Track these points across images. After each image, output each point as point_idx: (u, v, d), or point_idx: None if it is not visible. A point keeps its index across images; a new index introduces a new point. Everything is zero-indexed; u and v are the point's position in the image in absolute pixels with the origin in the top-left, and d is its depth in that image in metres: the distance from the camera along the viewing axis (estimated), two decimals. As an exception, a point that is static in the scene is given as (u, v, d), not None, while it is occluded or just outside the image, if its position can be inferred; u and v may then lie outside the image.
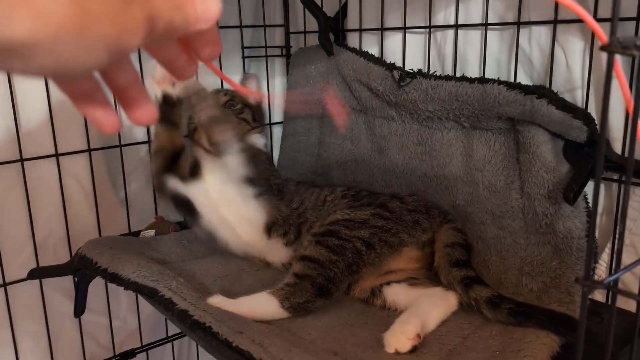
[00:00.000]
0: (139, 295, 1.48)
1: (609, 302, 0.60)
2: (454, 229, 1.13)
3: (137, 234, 1.38)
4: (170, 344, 1.61)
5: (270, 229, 1.21)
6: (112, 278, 1.08)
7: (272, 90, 1.63)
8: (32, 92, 1.24)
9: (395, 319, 1.01)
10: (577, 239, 0.99)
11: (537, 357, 0.84)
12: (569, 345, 0.88)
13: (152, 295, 1.01)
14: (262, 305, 0.99)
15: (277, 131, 1.61)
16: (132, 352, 1.51)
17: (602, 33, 0.45)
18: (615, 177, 1.01)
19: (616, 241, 1.03)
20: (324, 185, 1.30)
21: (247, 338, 0.86)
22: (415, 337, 0.88)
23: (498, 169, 1.10)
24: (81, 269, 1.19)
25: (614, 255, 1.00)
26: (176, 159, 1.19)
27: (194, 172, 1.19)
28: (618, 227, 0.96)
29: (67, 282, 1.36)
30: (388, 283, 1.07)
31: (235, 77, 1.55)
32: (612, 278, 0.59)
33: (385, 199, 1.17)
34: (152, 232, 1.33)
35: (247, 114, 1.29)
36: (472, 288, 0.99)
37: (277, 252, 1.21)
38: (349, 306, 1.07)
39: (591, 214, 0.58)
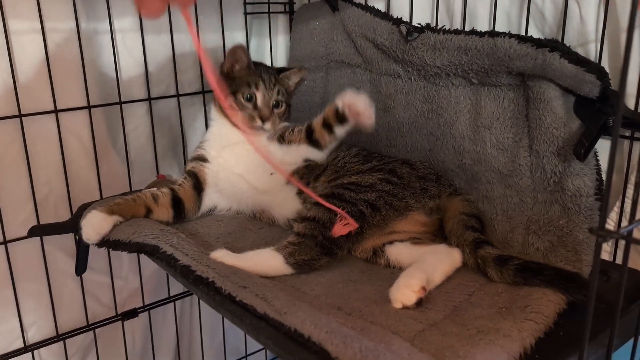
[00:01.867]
0: (140, 255, 1.48)
1: (624, 253, 0.58)
2: (468, 200, 1.13)
3: (139, 191, 1.36)
4: (172, 303, 1.61)
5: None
6: (115, 245, 1.06)
7: (275, 52, 1.60)
8: (29, 46, 1.21)
9: (398, 276, 1.00)
10: (586, 197, 0.97)
11: (544, 313, 0.83)
12: (575, 302, 0.87)
13: (153, 252, 1.00)
14: (267, 260, 0.98)
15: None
16: (134, 312, 1.51)
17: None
18: (627, 133, 0.99)
19: (627, 195, 1.02)
20: (343, 146, 1.28)
21: (250, 292, 0.85)
22: (421, 289, 0.88)
23: (506, 126, 1.07)
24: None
25: (631, 206, 0.98)
26: None
27: None
28: (635, 178, 0.94)
29: (68, 241, 1.35)
30: (391, 242, 1.06)
31: (238, 35, 1.53)
32: (628, 228, 0.57)
33: (396, 165, 1.15)
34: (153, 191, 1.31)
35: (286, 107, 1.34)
36: (482, 247, 0.98)
37: (287, 203, 1.20)
38: (352, 264, 1.06)
39: (610, 157, 0.56)
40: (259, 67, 1.32)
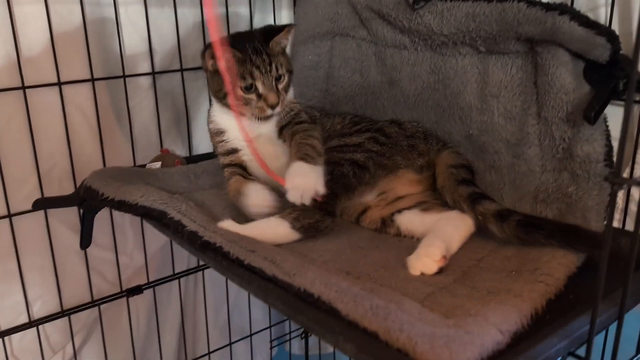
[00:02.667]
0: (145, 232, 1.48)
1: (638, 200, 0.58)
2: (455, 152, 1.13)
3: (142, 167, 1.36)
4: (177, 281, 1.61)
5: None
6: (119, 205, 1.06)
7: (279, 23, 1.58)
8: (32, 17, 1.20)
9: (408, 243, 1.01)
10: (595, 163, 0.96)
11: (554, 276, 0.82)
12: (586, 265, 0.86)
13: (160, 218, 0.99)
14: (274, 228, 0.98)
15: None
16: (139, 288, 1.51)
17: None
18: (638, 98, 0.98)
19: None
20: (337, 114, 1.28)
21: (258, 256, 0.85)
22: (442, 259, 0.88)
23: (514, 94, 1.06)
24: (87, 200, 1.17)
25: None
26: None
27: None
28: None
29: (72, 215, 1.35)
30: (399, 211, 1.06)
31: (242, 9, 1.51)
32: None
33: (384, 124, 1.16)
34: (158, 165, 1.31)
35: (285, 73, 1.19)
36: (479, 203, 0.98)
37: None
38: (360, 233, 1.06)
39: (625, 107, 0.55)
40: (244, 49, 1.12)
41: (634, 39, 0.55)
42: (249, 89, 1.11)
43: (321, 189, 0.98)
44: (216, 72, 1.14)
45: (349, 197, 1.07)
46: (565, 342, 0.67)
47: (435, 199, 1.08)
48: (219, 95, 1.17)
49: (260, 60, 1.11)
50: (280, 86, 1.15)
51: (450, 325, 0.69)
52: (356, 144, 1.09)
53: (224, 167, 1.20)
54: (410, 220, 1.04)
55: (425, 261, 0.88)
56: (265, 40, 1.14)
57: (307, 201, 0.97)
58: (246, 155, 1.18)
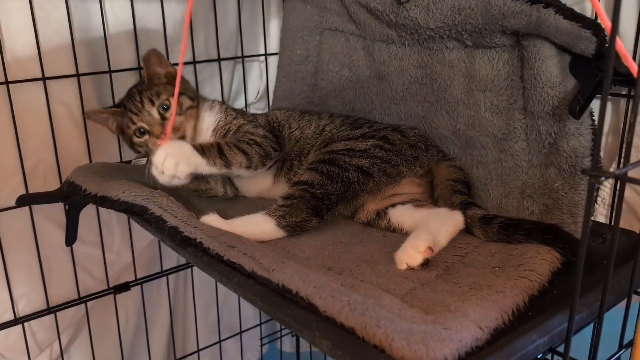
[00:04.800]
0: (132, 229, 1.47)
1: (619, 191, 0.57)
2: (455, 166, 1.13)
3: (128, 163, 1.34)
4: (165, 278, 1.59)
5: (274, 176, 1.20)
6: (102, 201, 1.05)
7: (267, 21, 1.57)
8: (16, 11, 1.19)
9: (392, 239, 1.00)
10: (582, 158, 0.96)
11: (538, 272, 0.81)
12: (569, 262, 0.85)
13: (142, 213, 0.98)
14: (258, 224, 0.97)
15: (273, 61, 1.56)
16: (127, 285, 1.49)
17: None
18: (624, 91, 0.97)
19: (626, 134, 0.99)
20: (320, 113, 1.26)
21: (238, 252, 0.84)
22: (427, 249, 0.87)
23: (501, 88, 1.05)
24: (71, 196, 1.16)
25: (624, 149, 0.97)
26: None
27: None
28: (629, 119, 0.93)
29: (58, 212, 1.33)
30: (393, 205, 1.06)
31: (230, 5, 1.50)
32: (623, 170, 0.56)
33: (387, 132, 1.14)
34: (143, 161, 1.29)
35: (184, 99, 1.17)
36: (470, 208, 0.99)
37: (283, 189, 1.17)
38: (344, 228, 1.05)
39: (600, 105, 0.54)
40: (124, 101, 1.17)
41: (609, 31, 0.54)
42: (140, 133, 1.14)
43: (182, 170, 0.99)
44: (117, 131, 1.21)
45: (348, 202, 1.06)
46: (545, 338, 0.66)
47: (430, 201, 1.08)
48: (128, 143, 1.19)
49: (132, 103, 1.14)
50: (168, 113, 1.13)
51: (428, 321, 0.68)
52: (362, 150, 1.08)
53: None
54: (401, 214, 1.04)
55: (410, 252, 0.87)
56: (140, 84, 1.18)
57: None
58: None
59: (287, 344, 1.98)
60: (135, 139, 1.15)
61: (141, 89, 1.15)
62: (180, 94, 1.08)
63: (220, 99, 1.53)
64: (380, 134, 1.13)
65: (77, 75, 1.28)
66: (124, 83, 1.35)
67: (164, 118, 1.13)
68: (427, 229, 0.92)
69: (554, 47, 0.96)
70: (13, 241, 1.30)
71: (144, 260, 1.55)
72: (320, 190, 1.00)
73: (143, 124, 1.13)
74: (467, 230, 0.98)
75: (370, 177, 1.05)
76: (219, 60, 1.49)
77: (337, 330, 0.67)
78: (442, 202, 1.06)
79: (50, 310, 1.38)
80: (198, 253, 0.88)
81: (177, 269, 1.61)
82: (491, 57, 1.06)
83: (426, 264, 0.86)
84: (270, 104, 1.54)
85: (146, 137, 1.14)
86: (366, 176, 1.04)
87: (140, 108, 1.13)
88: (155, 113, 1.13)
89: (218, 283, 1.70)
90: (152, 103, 1.13)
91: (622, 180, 0.55)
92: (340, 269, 0.86)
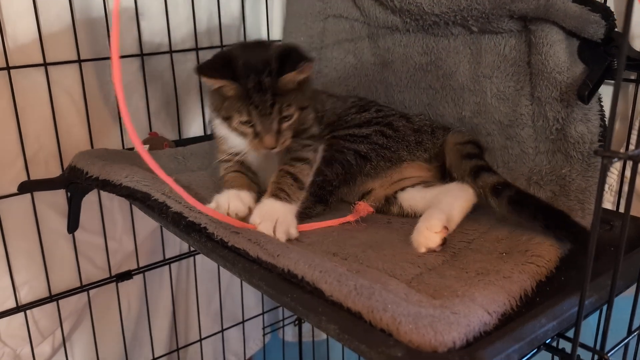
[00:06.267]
0: (134, 217, 1.46)
1: (631, 172, 0.56)
2: (460, 131, 1.10)
3: (130, 150, 1.33)
4: (168, 266, 1.59)
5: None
6: (104, 184, 1.04)
7: (270, 8, 1.55)
8: (17, -5, 1.17)
9: (398, 224, 0.99)
10: (590, 144, 0.95)
11: (545, 257, 0.81)
12: (576, 248, 0.85)
13: (144, 200, 0.97)
14: None
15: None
16: (129, 274, 1.49)
17: None
18: (633, 76, 0.96)
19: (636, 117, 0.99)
20: (339, 96, 1.24)
21: (243, 237, 0.83)
22: (443, 229, 0.86)
23: (507, 74, 1.04)
24: (73, 182, 1.15)
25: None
26: None
27: None
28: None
29: (59, 199, 1.33)
30: (403, 189, 1.04)
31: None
32: (636, 151, 0.55)
33: (393, 119, 1.12)
34: (146, 148, 1.29)
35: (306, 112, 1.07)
36: (479, 176, 0.96)
37: None
38: (348, 214, 1.04)
39: (615, 87, 0.53)
40: (245, 80, 0.96)
41: (624, 15, 0.53)
42: (246, 123, 0.98)
43: (293, 231, 0.91)
44: (216, 91, 1.01)
45: (348, 186, 1.05)
46: (554, 323, 0.65)
47: (443, 180, 1.05)
48: (221, 114, 1.03)
49: (261, 100, 0.96)
50: (285, 125, 1.00)
51: (436, 305, 0.67)
52: (363, 136, 1.07)
53: (221, 162, 1.12)
54: (412, 197, 1.02)
55: (426, 234, 0.86)
56: (279, 71, 0.96)
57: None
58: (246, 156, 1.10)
59: (290, 334, 1.98)
60: (236, 123, 0.99)
61: (275, 89, 0.96)
62: (303, 108, 1.02)
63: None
64: (385, 121, 1.12)
65: (79, 61, 1.27)
66: (126, 69, 1.35)
67: (279, 131, 0.99)
68: (440, 207, 0.91)
69: (562, 32, 0.95)
70: (15, 228, 1.29)
71: (146, 249, 1.54)
72: (320, 177, 1.00)
73: (260, 128, 0.97)
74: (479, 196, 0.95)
75: (368, 161, 1.04)
76: (221, 47, 1.48)
77: (344, 315, 0.66)
78: (455, 172, 1.02)
79: (52, 298, 1.37)
80: (202, 239, 0.87)
81: (180, 257, 1.61)
82: (498, 42, 1.05)
83: (445, 243, 0.86)
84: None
85: (250, 130, 0.99)
86: (364, 159, 1.03)
87: (266, 112, 0.96)
88: (275, 125, 0.98)
89: (220, 272, 1.70)
90: (280, 113, 0.97)
91: (635, 161, 0.54)
92: (345, 255, 0.85)
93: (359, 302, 0.66)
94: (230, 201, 0.96)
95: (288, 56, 0.98)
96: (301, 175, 0.99)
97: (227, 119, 1.01)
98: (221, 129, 1.07)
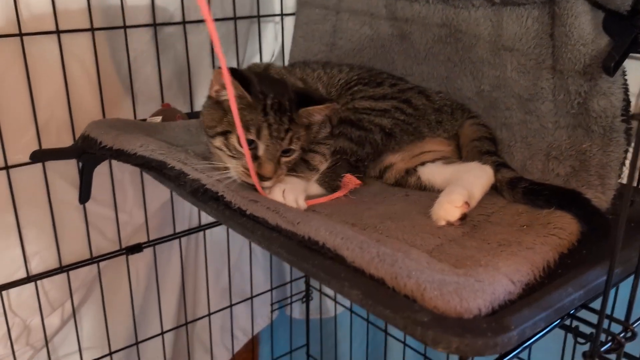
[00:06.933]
0: (145, 190, 1.45)
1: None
2: (478, 124, 1.11)
3: (143, 121, 1.32)
4: (177, 240, 1.58)
5: None
6: (118, 154, 1.03)
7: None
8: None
9: (416, 197, 0.98)
10: (612, 118, 0.93)
11: (567, 230, 0.80)
12: (598, 221, 0.84)
13: (160, 168, 0.96)
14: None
15: (288, 22, 1.52)
16: (139, 247, 1.48)
17: None
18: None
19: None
20: (331, 65, 1.23)
21: (261, 206, 0.83)
22: (464, 204, 0.86)
23: (529, 47, 1.02)
24: (86, 152, 1.14)
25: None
26: None
27: None
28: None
29: (71, 170, 1.31)
30: (423, 163, 1.05)
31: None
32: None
33: (411, 95, 1.12)
34: (158, 119, 1.28)
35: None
36: (499, 171, 0.97)
37: None
38: (365, 189, 1.03)
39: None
40: (262, 95, 0.93)
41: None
42: (248, 143, 0.89)
43: (302, 202, 0.91)
44: (217, 103, 0.97)
45: (373, 161, 1.07)
46: (581, 292, 0.65)
47: (461, 158, 1.07)
48: (210, 132, 0.97)
49: (277, 121, 0.92)
50: (284, 160, 0.95)
51: (460, 274, 0.67)
52: (383, 110, 1.07)
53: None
54: (431, 172, 1.03)
55: (447, 207, 0.86)
56: (297, 103, 0.95)
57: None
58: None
59: (297, 311, 1.98)
60: (232, 141, 0.93)
61: (294, 116, 0.94)
62: (303, 149, 0.98)
63: (236, 60, 1.51)
64: (403, 97, 1.11)
65: (92, 29, 1.25)
66: (138, 39, 1.33)
67: (278, 163, 0.94)
68: (462, 184, 0.91)
69: (587, 3, 0.93)
70: (26, 198, 1.28)
71: (157, 222, 1.54)
72: (354, 157, 1.02)
73: (263, 151, 0.91)
74: (494, 189, 0.96)
75: (392, 137, 1.05)
76: (234, 19, 1.46)
77: (366, 281, 0.65)
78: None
79: (62, 269, 1.37)
80: (220, 207, 0.87)
81: (189, 232, 1.60)
82: (520, 14, 1.03)
83: (464, 218, 0.85)
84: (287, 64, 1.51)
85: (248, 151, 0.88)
86: (388, 136, 1.05)
87: (279, 136, 0.92)
88: (279, 154, 0.93)
89: (230, 247, 1.69)
90: (290, 142, 0.94)
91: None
92: (364, 225, 0.84)
93: (382, 269, 0.65)
94: None
95: (309, 95, 1.01)
96: (314, 159, 1.01)
97: (221, 135, 0.94)
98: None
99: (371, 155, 1.04)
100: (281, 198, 0.88)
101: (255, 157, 0.91)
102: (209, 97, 1.01)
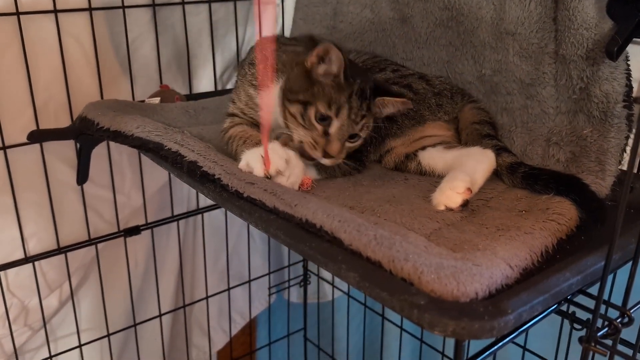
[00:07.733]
0: (143, 171, 1.45)
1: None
2: (478, 107, 1.10)
3: (141, 102, 1.31)
4: (176, 223, 1.58)
5: None
6: (115, 135, 1.02)
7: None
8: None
9: (415, 182, 0.98)
10: (614, 104, 0.92)
11: (566, 216, 0.80)
12: (596, 207, 0.83)
13: (157, 149, 0.95)
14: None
15: (289, 4, 1.51)
16: (137, 229, 1.48)
17: None
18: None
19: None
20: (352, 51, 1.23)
21: (258, 188, 0.82)
22: (466, 191, 0.85)
23: (532, 31, 1.01)
24: (83, 133, 1.13)
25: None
26: None
27: None
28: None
29: (69, 151, 1.31)
30: (423, 148, 1.04)
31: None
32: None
33: (412, 80, 1.11)
34: (157, 100, 1.27)
35: None
36: (500, 155, 0.97)
37: None
38: (364, 172, 1.03)
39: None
40: (354, 79, 0.94)
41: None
42: (322, 119, 0.93)
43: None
44: (307, 72, 0.96)
45: (377, 147, 1.06)
46: (578, 277, 0.64)
47: (460, 143, 1.06)
48: (290, 97, 0.96)
49: (356, 105, 0.94)
50: (348, 145, 0.97)
51: (457, 257, 0.66)
52: None
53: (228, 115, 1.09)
54: (431, 156, 1.02)
55: (449, 194, 0.85)
56: (376, 91, 0.98)
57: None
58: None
59: (295, 295, 1.98)
60: (313, 113, 0.93)
61: (371, 103, 0.96)
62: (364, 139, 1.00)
63: (235, 42, 1.49)
64: (405, 82, 1.10)
65: (90, 9, 1.24)
66: (137, 20, 1.31)
67: (347, 139, 0.96)
68: (464, 170, 0.90)
69: (591, -13, 0.92)
70: (24, 179, 1.27)
71: (155, 205, 1.53)
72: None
73: (337, 129, 0.93)
74: (495, 173, 0.96)
75: (394, 122, 1.05)
76: (234, 0, 1.44)
77: (364, 263, 0.65)
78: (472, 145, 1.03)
79: (60, 250, 1.36)
80: (217, 189, 0.86)
81: (188, 214, 1.60)
82: (523, -3, 1.02)
83: (465, 205, 0.85)
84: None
85: (319, 128, 0.93)
86: (390, 121, 1.04)
87: (355, 120, 0.94)
88: (347, 134, 0.95)
89: (228, 231, 1.69)
90: (361, 128, 0.96)
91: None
92: (362, 208, 0.84)
93: (379, 252, 0.65)
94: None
95: (387, 89, 1.02)
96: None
97: (301, 103, 0.94)
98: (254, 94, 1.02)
99: (374, 140, 1.03)
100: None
101: (325, 133, 0.94)
102: (296, 66, 0.98)
